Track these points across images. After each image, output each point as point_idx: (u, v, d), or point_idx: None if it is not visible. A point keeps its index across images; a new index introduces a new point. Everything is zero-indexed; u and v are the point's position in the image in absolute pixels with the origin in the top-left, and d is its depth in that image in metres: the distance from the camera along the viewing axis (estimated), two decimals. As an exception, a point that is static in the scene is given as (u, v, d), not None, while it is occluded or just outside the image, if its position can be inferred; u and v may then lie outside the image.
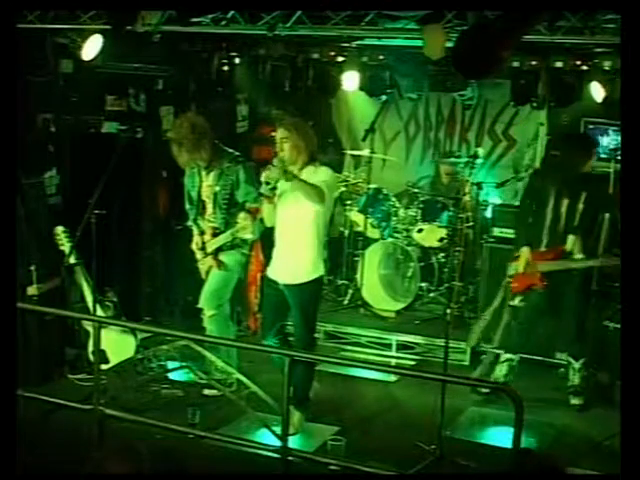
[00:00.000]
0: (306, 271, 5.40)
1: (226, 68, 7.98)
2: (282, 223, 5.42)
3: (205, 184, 6.00)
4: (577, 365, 6.12)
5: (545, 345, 6.63)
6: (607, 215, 6.22)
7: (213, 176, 5.95)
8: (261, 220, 5.96)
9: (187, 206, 6.16)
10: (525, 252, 6.07)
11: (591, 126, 7.96)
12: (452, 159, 8.26)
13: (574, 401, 6.13)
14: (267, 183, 5.23)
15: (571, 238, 5.96)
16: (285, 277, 5.44)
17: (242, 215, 5.72)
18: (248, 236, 5.82)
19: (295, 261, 5.41)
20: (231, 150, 6.03)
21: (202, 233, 6.09)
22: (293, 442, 4.75)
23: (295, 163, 5.30)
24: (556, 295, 6.07)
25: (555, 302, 6.11)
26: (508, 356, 6.22)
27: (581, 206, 5.91)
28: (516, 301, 6.74)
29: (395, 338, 7.23)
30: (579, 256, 5.95)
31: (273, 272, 5.54)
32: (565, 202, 5.96)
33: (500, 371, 6.25)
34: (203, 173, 5.99)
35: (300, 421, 5.55)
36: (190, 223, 6.17)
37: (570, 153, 6.08)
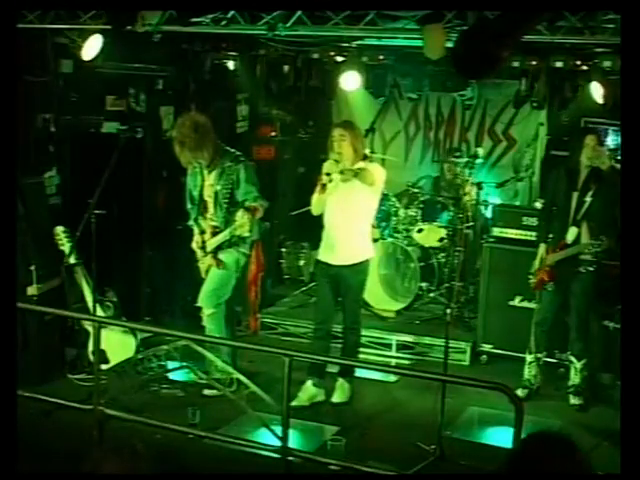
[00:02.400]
0: (362, 252, 5.99)
1: (226, 68, 7.98)
2: (337, 210, 5.88)
3: (207, 183, 6.01)
4: (579, 365, 6.11)
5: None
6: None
7: (214, 175, 5.96)
8: (260, 220, 6.00)
9: (188, 205, 6.17)
10: (541, 248, 6.14)
11: (591, 126, 7.96)
12: (454, 158, 8.24)
13: (574, 401, 6.13)
14: (327, 174, 5.67)
15: (572, 230, 5.95)
16: (342, 259, 5.92)
17: (240, 213, 5.72)
18: (246, 234, 5.83)
19: (352, 243, 5.92)
20: (233, 150, 6.04)
21: (203, 232, 6.10)
22: (293, 442, 4.75)
23: (350, 159, 5.80)
24: (565, 293, 6.08)
25: (564, 300, 6.12)
26: (534, 356, 6.24)
27: (588, 199, 5.90)
28: (516, 301, 6.77)
29: (395, 338, 7.23)
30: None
31: (328, 256, 6.00)
32: (574, 196, 5.96)
33: (530, 372, 6.27)
34: (205, 172, 6.00)
35: (350, 390, 6.05)
36: (191, 222, 6.17)
37: (571, 147, 6.18)
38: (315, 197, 5.91)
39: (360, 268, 6.00)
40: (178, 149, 5.87)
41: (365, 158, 5.96)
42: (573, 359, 6.15)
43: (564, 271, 6.01)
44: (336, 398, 6.09)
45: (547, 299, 6.18)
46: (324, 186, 5.74)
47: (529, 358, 6.26)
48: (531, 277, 6.21)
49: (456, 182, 8.12)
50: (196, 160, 5.93)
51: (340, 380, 6.11)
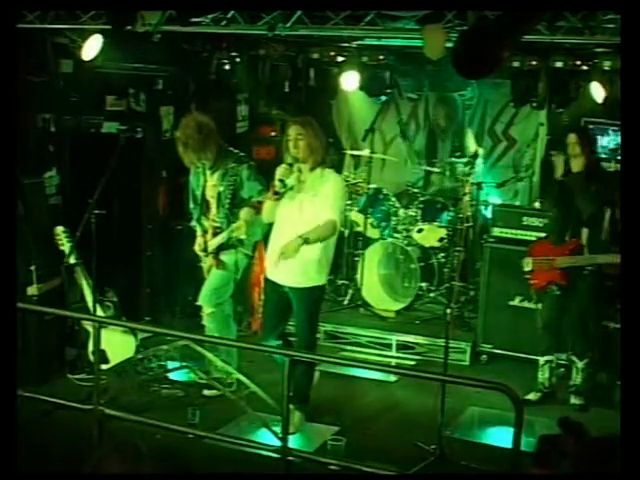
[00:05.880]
0: (312, 276, 5.36)
1: (226, 68, 7.98)
2: (288, 222, 5.33)
3: (210, 184, 6.02)
4: (580, 365, 6.10)
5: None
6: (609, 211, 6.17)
7: (217, 176, 5.96)
8: (263, 227, 5.97)
9: (191, 205, 6.18)
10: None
11: (591, 126, 7.95)
12: (452, 159, 8.25)
13: (575, 400, 6.11)
14: (281, 180, 5.25)
15: (585, 231, 5.94)
16: (289, 280, 5.39)
17: (245, 210, 5.73)
18: (242, 236, 5.84)
19: (300, 264, 5.31)
20: (236, 150, 6.05)
21: (205, 232, 6.11)
22: (293, 442, 4.75)
23: (306, 162, 5.32)
24: (570, 292, 6.05)
25: (569, 300, 6.09)
26: (546, 358, 6.20)
27: (590, 200, 5.89)
28: (516, 301, 6.76)
29: (395, 338, 7.23)
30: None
31: (274, 274, 5.47)
32: (578, 196, 5.95)
33: (543, 375, 6.23)
34: (208, 173, 6.01)
35: (300, 420, 5.56)
36: (194, 223, 6.18)
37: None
38: (267, 204, 5.39)
39: (311, 293, 5.39)
40: (181, 150, 5.87)
41: (323, 163, 5.37)
42: (575, 359, 6.13)
43: (573, 272, 5.98)
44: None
45: (552, 301, 6.12)
46: (277, 193, 5.24)
47: (541, 361, 6.23)
48: (530, 277, 6.16)
49: (453, 182, 8.12)
50: (199, 161, 5.94)
51: (292, 409, 5.12)
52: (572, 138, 6.03)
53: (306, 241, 5.21)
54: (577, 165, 6.01)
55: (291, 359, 4.52)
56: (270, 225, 5.55)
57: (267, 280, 5.56)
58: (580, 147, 5.98)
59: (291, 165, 5.30)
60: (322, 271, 5.42)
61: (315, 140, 5.30)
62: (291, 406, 4.96)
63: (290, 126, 5.38)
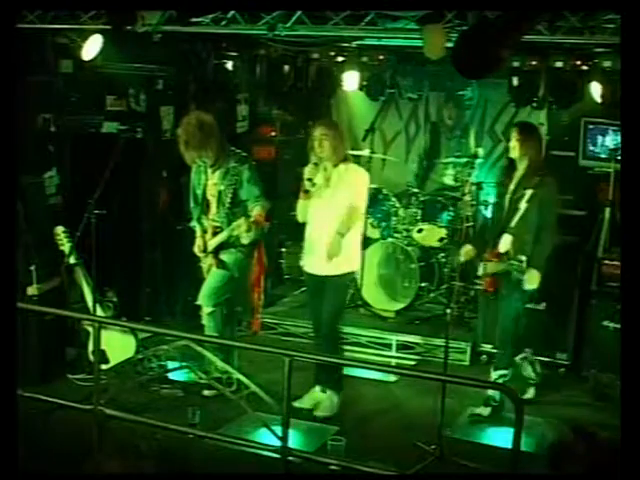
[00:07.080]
0: (344, 262, 5.72)
1: (226, 68, 7.98)
2: (318, 217, 5.74)
3: (211, 183, 6.02)
4: (494, 375, 5.89)
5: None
6: (607, 216, 6.09)
7: (219, 175, 5.97)
8: (262, 228, 5.98)
9: (192, 204, 6.18)
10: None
11: (591, 126, 7.95)
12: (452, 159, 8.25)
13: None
14: (309, 179, 5.60)
15: (505, 238, 5.71)
16: (322, 269, 5.75)
17: (242, 220, 5.74)
18: (243, 234, 5.85)
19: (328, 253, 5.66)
20: (238, 150, 6.05)
21: (205, 232, 6.11)
22: (293, 442, 4.75)
23: (330, 160, 5.68)
24: (500, 296, 5.91)
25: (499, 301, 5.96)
26: (520, 356, 6.13)
27: (523, 205, 5.63)
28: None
29: (395, 338, 7.23)
30: (522, 257, 5.54)
31: (310, 266, 5.88)
32: (507, 200, 5.82)
33: (525, 371, 6.20)
34: (209, 171, 6.01)
35: (337, 403, 5.83)
36: (194, 224, 6.18)
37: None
38: (299, 203, 5.80)
39: (342, 280, 5.81)
40: (182, 148, 5.88)
41: (345, 160, 5.76)
42: (491, 369, 5.98)
43: (498, 277, 5.79)
44: (320, 411, 5.88)
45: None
46: (307, 192, 5.66)
47: (517, 360, 6.11)
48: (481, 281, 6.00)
49: (453, 181, 8.12)
50: (200, 159, 5.95)
51: (329, 392, 5.90)
52: (513, 132, 5.81)
53: (342, 235, 5.64)
54: (518, 165, 5.78)
55: (291, 359, 4.52)
56: (268, 225, 5.73)
57: (304, 273, 6.05)
58: (523, 144, 5.70)
59: (317, 164, 5.63)
60: (351, 257, 5.79)
61: (337, 140, 5.67)
62: (327, 390, 5.82)
63: (315, 127, 5.74)
